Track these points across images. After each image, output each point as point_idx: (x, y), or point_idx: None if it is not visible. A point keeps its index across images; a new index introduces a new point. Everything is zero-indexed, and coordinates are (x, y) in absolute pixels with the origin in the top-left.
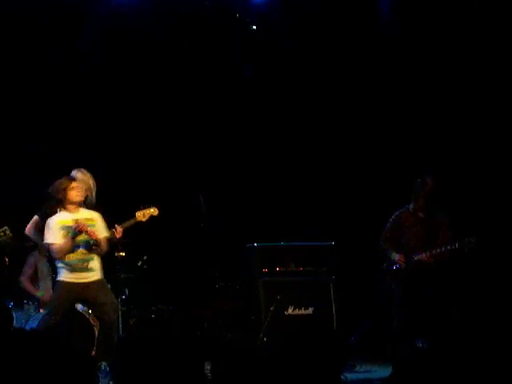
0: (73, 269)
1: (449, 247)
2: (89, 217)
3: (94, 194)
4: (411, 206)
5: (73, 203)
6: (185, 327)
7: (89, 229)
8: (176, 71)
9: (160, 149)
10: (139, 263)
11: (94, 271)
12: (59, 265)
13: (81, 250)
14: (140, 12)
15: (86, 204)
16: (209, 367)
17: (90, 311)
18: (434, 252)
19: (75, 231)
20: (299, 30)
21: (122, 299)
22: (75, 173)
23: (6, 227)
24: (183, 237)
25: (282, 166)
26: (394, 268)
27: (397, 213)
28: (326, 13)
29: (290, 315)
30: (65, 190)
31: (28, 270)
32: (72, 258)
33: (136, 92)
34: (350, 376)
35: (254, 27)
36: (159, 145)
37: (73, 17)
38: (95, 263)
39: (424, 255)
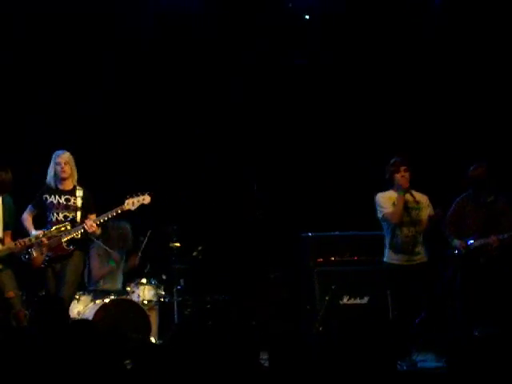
0: None
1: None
2: None
3: None
4: (469, 192)
5: None
6: (240, 317)
7: None
8: (226, 59)
9: (215, 139)
10: (194, 253)
11: None
12: None
13: None
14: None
15: None
16: (265, 357)
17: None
18: (501, 238)
19: None
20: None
21: (177, 289)
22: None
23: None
24: (238, 227)
25: (338, 156)
26: (455, 253)
27: (458, 199)
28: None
29: (345, 305)
30: None
31: (95, 263)
32: None
33: (186, 85)
34: (405, 365)
35: (307, 17)
36: (215, 135)
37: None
38: None
39: (492, 239)
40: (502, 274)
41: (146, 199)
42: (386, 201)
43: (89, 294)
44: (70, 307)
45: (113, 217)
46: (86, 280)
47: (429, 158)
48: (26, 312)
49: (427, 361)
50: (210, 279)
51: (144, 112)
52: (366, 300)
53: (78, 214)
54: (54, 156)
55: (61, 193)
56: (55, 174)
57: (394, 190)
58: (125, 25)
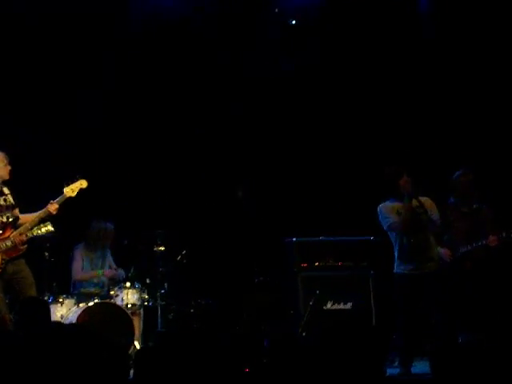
0: None
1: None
2: None
3: None
4: (453, 200)
5: None
6: (223, 322)
7: None
8: (215, 64)
9: (201, 143)
10: (178, 257)
11: None
12: None
13: None
14: (174, 6)
15: None
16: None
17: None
18: (500, 236)
19: None
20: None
21: (161, 293)
22: None
23: (48, 222)
24: (223, 231)
25: (321, 160)
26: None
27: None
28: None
29: (328, 310)
30: None
31: (77, 264)
32: None
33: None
34: (388, 371)
35: (294, 22)
36: (200, 140)
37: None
38: None
39: (491, 239)
40: (488, 280)
41: (84, 183)
42: (389, 210)
43: (72, 297)
44: (53, 310)
45: (60, 204)
46: (71, 282)
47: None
48: (11, 316)
49: (415, 367)
50: (194, 283)
51: (130, 115)
52: (349, 306)
53: (16, 211)
54: None
55: None
56: None
57: (395, 199)
58: (124, 26)
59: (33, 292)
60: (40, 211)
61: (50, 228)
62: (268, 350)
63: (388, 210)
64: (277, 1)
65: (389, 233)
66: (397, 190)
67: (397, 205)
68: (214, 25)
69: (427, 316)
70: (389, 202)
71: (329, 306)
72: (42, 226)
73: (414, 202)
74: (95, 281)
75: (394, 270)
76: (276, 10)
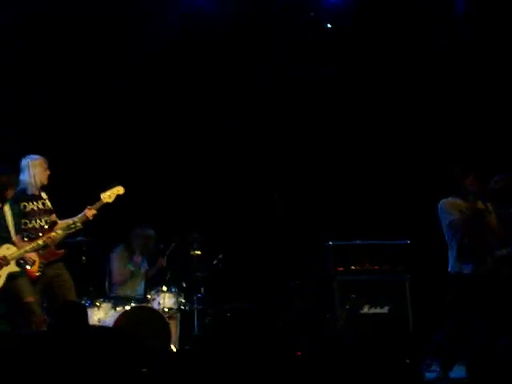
0: None
1: None
2: None
3: None
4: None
5: None
6: (260, 326)
7: None
8: (250, 71)
9: (237, 145)
10: (215, 261)
11: None
12: None
13: None
14: (209, 11)
15: None
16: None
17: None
18: None
19: None
20: (373, 29)
21: (197, 297)
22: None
23: (76, 219)
24: (259, 235)
25: (359, 164)
26: None
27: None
28: (399, 12)
29: (365, 314)
30: None
31: (114, 268)
32: None
33: (212, 93)
34: (426, 375)
35: (329, 25)
36: (237, 141)
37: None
38: None
39: None
40: None
41: (120, 190)
42: (452, 207)
43: (109, 301)
44: (90, 314)
45: (96, 211)
46: (106, 286)
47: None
48: (46, 317)
49: (452, 371)
50: (231, 287)
51: (160, 118)
52: (386, 310)
53: (54, 216)
54: (36, 161)
55: (36, 198)
56: (37, 179)
57: (459, 197)
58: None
59: (72, 296)
60: (77, 216)
61: (79, 224)
62: (304, 353)
63: (451, 207)
64: (312, 5)
65: (445, 231)
66: (462, 188)
67: (460, 202)
68: (247, 30)
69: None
70: (451, 198)
71: (365, 310)
72: (71, 224)
73: (479, 204)
74: (131, 287)
75: (450, 270)
76: (311, 14)
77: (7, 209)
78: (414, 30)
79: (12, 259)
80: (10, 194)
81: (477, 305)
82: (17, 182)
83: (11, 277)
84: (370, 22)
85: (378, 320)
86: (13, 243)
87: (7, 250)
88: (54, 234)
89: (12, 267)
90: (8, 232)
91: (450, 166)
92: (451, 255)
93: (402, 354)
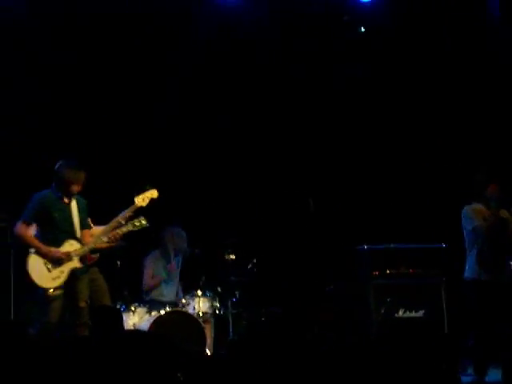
0: None
1: None
2: None
3: None
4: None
5: None
6: (295, 330)
7: None
8: (284, 74)
9: (272, 150)
10: (249, 266)
11: None
12: None
13: None
14: (245, 15)
15: None
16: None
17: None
18: None
19: None
20: (406, 31)
21: (232, 302)
22: None
23: (142, 217)
24: (293, 239)
25: (393, 169)
26: None
27: None
28: (434, 13)
29: (400, 318)
30: None
31: (148, 272)
32: None
33: (242, 95)
34: (462, 379)
35: (363, 29)
36: (270, 146)
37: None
38: None
39: None
40: None
41: (154, 193)
42: (475, 213)
43: (144, 305)
44: (125, 318)
45: (129, 216)
46: (141, 290)
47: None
48: (89, 322)
49: (489, 375)
50: (265, 292)
51: (194, 122)
52: (421, 313)
53: (89, 220)
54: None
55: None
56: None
57: (482, 204)
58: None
59: (107, 300)
60: (112, 221)
61: (144, 222)
62: (339, 357)
63: (475, 212)
64: (346, 9)
65: (467, 236)
66: (484, 196)
67: (483, 209)
68: (281, 33)
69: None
70: (475, 204)
71: (400, 313)
72: (135, 221)
73: (504, 213)
74: (165, 289)
75: (467, 275)
76: (345, 18)
77: (74, 204)
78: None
79: (75, 256)
80: (77, 189)
81: (498, 310)
82: (83, 178)
83: (73, 274)
84: (403, 25)
85: (413, 324)
86: (77, 239)
87: (70, 247)
88: (118, 231)
89: (75, 263)
90: (73, 227)
91: (474, 174)
92: (469, 261)
93: (438, 358)
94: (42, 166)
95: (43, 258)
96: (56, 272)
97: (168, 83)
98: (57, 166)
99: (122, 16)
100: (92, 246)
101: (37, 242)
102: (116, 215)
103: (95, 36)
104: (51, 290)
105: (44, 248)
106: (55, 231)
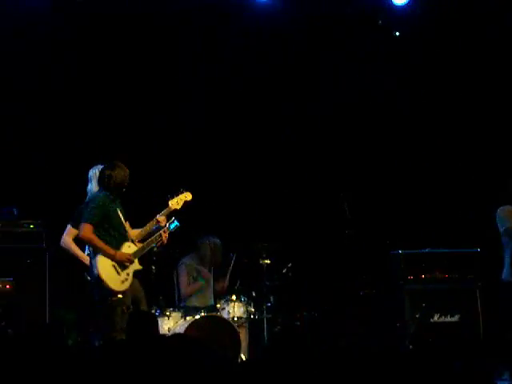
0: None
1: None
2: None
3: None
4: None
5: None
6: (329, 334)
7: None
8: (317, 78)
9: (309, 154)
10: (284, 270)
11: None
12: None
13: None
14: (277, 19)
15: None
16: None
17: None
18: None
19: None
20: (442, 34)
21: (267, 306)
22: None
23: (173, 218)
24: (328, 244)
25: (429, 173)
26: None
27: None
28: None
29: (435, 323)
30: None
31: (183, 278)
32: None
33: (275, 99)
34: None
35: (398, 33)
36: (307, 150)
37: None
38: None
39: None
40: None
41: (188, 196)
42: (509, 215)
43: (179, 310)
44: (160, 323)
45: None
46: (176, 296)
47: None
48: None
49: None
50: (300, 296)
51: (230, 126)
52: (456, 318)
53: (127, 224)
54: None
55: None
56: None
57: None
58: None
59: (143, 305)
60: (147, 224)
61: (176, 223)
62: (373, 363)
63: (508, 214)
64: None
65: (502, 238)
66: None
67: None
68: (316, 38)
69: None
70: (509, 206)
71: (436, 318)
72: (170, 221)
73: None
74: (201, 298)
75: (504, 277)
76: (380, 22)
77: (119, 207)
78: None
79: (135, 257)
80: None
81: None
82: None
83: (135, 276)
84: (439, 28)
85: (448, 328)
86: (132, 241)
87: (129, 249)
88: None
89: (137, 265)
90: (125, 229)
91: (509, 177)
92: (506, 262)
93: (474, 363)
94: (77, 172)
95: (111, 260)
96: (124, 275)
97: (200, 85)
98: (105, 169)
99: (146, 18)
100: (145, 246)
101: (103, 245)
102: (150, 217)
103: (127, 39)
104: (120, 295)
105: (112, 250)
106: (114, 233)
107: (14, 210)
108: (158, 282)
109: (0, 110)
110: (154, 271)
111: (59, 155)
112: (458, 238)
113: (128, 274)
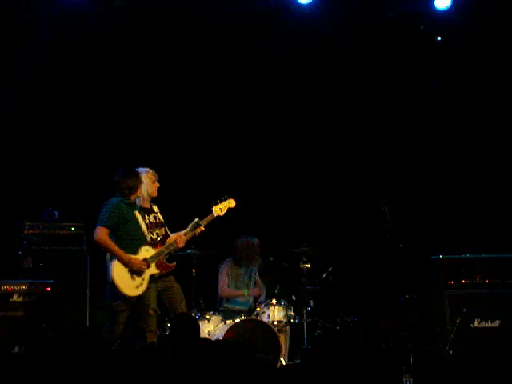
0: None
1: None
2: None
3: None
4: None
5: None
6: (369, 339)
7: None
8: (358, 82)
9: (350, 158)
10: (324, 275)
11: None
12: None
13: None
14: (319, 23)
15: None
16: None
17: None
18: None
19: None
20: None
21: (307, 310)
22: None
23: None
24: (368, 248)
25: (470, 178)
26: None
27: None
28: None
29: (476, 328)
30: None
31: (223, 281)
32: None
33: (319, 102)
34: None
35: (439, 38)
36: (348, 154)
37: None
38: None
39: None
40: None
41: (232, 203)
42: None
43: (219, 313)
44: (200, 326)
45: (204, 226)
46: (218, 300)
47: None
48: (157, 331)
49: None
50: (340, 300)
51: (271, 131)
52: (497, 323)
53: (165, 229)
54: (144, 174)
55: (148, 211)
56: (145, 192)
57: None
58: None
59: (183, 308)
60: (187, 229)
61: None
62: (414, 367)
63: None
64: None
65: None
66: None
67: None
68: (357, 42)
69: None
70: None
71: (476, 323)
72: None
73: None
74: (241, 299)
75: None
76: (422, 27)
77: (137, 211)
78: None
79: (152, 261)
80: (134, 197)
81: None
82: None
83: (151, 280)
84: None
85: (489, 334)
86: (150, 244)
87: (147, 253)
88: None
89: (153, 269)
90: (143, 233)
91: None
92: None
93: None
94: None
95: (125, 266)
96: (139, 280)
97: (239, 87)
98: (116, 175)
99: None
100: (164, 249)
101: (118, 249)
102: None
103: (165, 41)
104: (133, 300)
105: (125, 256)
106: (130, 237)
107: (55, 212)
108: (198, 285)
109: (44, 114)
110: (194, 275)
111: (101, 158)
112: (499, 243)
113: (143, 279)
